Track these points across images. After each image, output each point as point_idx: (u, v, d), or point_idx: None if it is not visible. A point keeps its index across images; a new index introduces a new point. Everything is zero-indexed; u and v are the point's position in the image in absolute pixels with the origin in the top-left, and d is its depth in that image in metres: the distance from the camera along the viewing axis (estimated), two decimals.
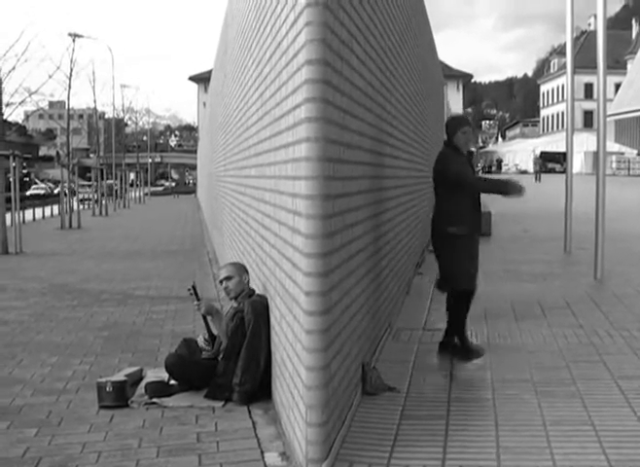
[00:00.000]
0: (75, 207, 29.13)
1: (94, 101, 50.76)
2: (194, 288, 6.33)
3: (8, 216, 19.35)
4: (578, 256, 13.64)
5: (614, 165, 64.47)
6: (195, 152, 69.05)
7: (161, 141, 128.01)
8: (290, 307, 4.70)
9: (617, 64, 76.41)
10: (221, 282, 6.33)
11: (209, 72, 27.54)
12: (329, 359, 4.33)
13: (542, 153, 73.79)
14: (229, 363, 5.77)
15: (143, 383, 6.07)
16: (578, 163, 60.15)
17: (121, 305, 10.43)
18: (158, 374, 6.30)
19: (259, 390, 5.68)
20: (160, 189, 79.50)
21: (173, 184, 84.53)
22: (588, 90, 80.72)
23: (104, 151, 70.06)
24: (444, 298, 6.97)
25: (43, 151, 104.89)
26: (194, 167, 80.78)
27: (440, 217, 6.73)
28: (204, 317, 6.25)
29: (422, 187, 12.58)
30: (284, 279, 4.94)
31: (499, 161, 74.45)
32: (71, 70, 38.07)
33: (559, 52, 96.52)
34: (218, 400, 5.71)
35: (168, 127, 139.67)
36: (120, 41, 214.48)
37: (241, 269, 6.37)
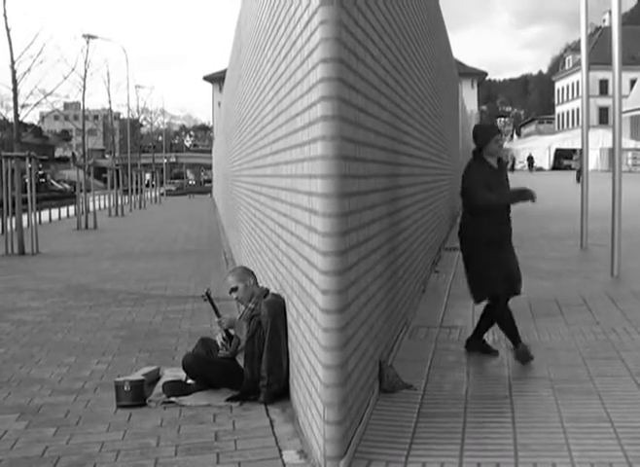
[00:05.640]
0: (91, 208, 29.20)
1: (109, 102, 51.22)
2: (208, 295, 6.33)
3: (24, 217, 19.44)
4: (594, 253, 13.58)
5: (630, 162, 64.10)
6: (211, 152, 69.13)
7: (177, 141, 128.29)
8: (307, 306, 4.71)
9: (632, 60, 75.79)
10: (230, 293, 6.33)
11: (224, 72, 27.55)
12: (346, 357, 4.34)
13: (557, 150, 73.25)
14: (253, 369, 5.75)
15: (161, 382, 6.10)
16: (593, 160, 59.82)
17: (137, 304, 10.47)
18: (175, 373, 6.32)
19: (283, 389, 5.69)
20: (174, 188, 79.60)
21: (177, 185, 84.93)
22: (604, 87, 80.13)
23: (120, 151, 70.20)
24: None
25: (58, 152, 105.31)
26: (209, 167, 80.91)
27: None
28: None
29: (439, 184, 12.54)
30: (301, 278, 4.94)
31: (530, 160, 71.81)
32: (85, 71, 38.27)
33: (574, 48, 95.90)
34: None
35: (183, 128, 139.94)
36: (134, 42, 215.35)
37: (242, 275, 6.29)
